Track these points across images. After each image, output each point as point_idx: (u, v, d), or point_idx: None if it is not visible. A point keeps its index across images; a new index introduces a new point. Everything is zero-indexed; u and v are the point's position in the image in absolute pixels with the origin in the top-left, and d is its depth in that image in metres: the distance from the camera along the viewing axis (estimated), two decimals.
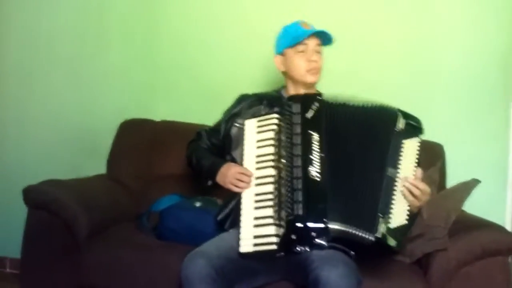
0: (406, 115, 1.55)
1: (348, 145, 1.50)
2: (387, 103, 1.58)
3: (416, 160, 1.49)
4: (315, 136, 1.47)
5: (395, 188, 1.45)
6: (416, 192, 1.45)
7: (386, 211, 1.41)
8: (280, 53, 1.82)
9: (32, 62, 2.71)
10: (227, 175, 1.63)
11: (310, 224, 1.37)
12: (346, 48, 2.37)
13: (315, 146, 1.45)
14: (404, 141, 1.50)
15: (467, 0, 2.33)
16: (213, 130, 1.88)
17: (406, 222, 1.43)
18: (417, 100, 2.28)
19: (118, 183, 2.26)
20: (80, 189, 2.01)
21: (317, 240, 1.39)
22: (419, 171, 1.48)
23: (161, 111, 2.54)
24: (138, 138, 2.36)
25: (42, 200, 1.86)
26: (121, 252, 1.82)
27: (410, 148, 1.50)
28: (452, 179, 2.10)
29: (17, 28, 2.72)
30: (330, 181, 1.43)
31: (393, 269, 1.72)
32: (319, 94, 1.58)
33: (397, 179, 1.46)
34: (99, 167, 2.40)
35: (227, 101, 1.94)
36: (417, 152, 1.50)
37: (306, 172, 1.42)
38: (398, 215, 1.43)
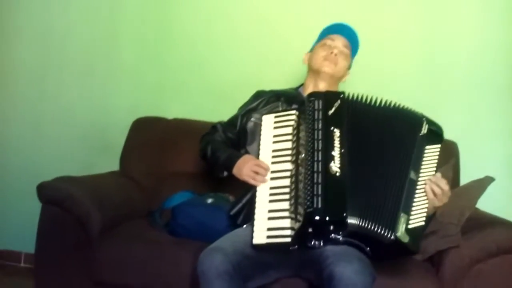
0: (430, 122, 1.57)
1: (370, 143, 1.51)
2: (410, 106, 1.59)
3: (435, 166, 1.52)
4: (337, 132, 1.47)
5: (417, 190, 1.47)
6: (438, 191, 1.47)
7: (407, 211, 1.43)
8: (311, 50, 1.90)
9: (44, 61, 2.74)
10: (243, 167, 1.63)
11: (329, 218, 1.37)
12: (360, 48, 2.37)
13: (336, 142, 1.46)
14: (427, 146, 1.53)
15: (474, 1, 2.31)
16: (229, 124, 1.87)
17: (423, 223, 1.45)
18: (429, 99, 2.27)
19: (131, 180, 2.27)
20: (93, 185, 2.03)
21: (333, 235, 1.39)
22: (439, 175, 1.50)
23: (172, 109, 2.55)
24: (151, 136, 2.38)
25: (56, 196, 1.87)
26: (133, 248, 1.83)
27: (431, 154, 1.53)
28: (466, 177, 2.08)
29: (29, 27, 2.75)
30: (350, 177, 1.43)
31: (405, 266, 1.71)
32: (342, 92, 1.59)
33: (419, 182, 1.48)
34: (112, 164, 2.42)
35: (238, 99, 1.95)
36: (437, 158, 1.53)
37: (326, 167, 1.42)
38: (417, 216, 1.44)
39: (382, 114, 1.55)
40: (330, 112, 1.51)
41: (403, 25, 2.39)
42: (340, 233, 1.40)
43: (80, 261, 1.85)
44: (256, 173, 1.59)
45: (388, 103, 1.57)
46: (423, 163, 1.50)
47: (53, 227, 1.89)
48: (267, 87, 1.95)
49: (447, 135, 2.07)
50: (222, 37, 2.56)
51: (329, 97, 1.55)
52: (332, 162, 1.42)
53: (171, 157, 2.30)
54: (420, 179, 1.48)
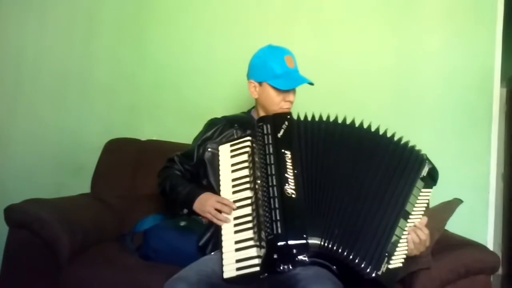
0: (431, 164, 1.57)
1: (335, 164, 1.51)
2: (346, 114, 1.58)
3: (424, 210, 1.52)
4: (288, 154, 1.48)
5: (404, 232, 1.47)
6: (417, 240, 1.46)
7: (392, 251, 1.43)
8: (258, 81, 1.78)
9: (17, 82, 2.72)
10: (205, 204, 1.61)
11: (291, 242, 1.37)
12: (333, 71, 2.43)
13: (289, 164, 1.46)
14: (422, 189, 1.53)
15: (447, 26, 2.39)
16: (186, 156, 1.84)
17: (400, 265, 1.45)
18: (399, 121, 2.31)
19: (102, 202, 2.24)
20: (62, 208, 1.99)
21: (299, 257, 1.38)
22: (425, 219, 1.50)
23: (146, 131, 2.54)
24: (123, 157, 2.36)
25: (23, 219, 1.84)
26: (103, 273, 1.80)
27: (423, 198, 1.53)
28: (435, 199, 2.11)
29: (2, 48, 2.72)
30: (307, 197, 1.44)
31: None
32: (289, 113, 1.60)
33: (407, 224, 1.47)
34: (83, 186, 2.38)
35: None
36: (427, 202, 1.54)
37: (281, 190, 1.42)
38: (398, 257, 1.45)
39: (360, 135, 1.55)
40: (279, 134, 1.52)
41: (374, 50, 2.45)
42: (305, 253, 1.38)
43: (49, 286, 1.80)
44: (219, 211, 1.57)
45: (351, 121, 1.57)
46: (416, 204, 1.50)
47: (20, 251, 1.85)
48: (240, 111, 1.95)
49: None
50: (197, 59, 2.58)
51: (276, 120, 1.56)
52: (287, 184, 1.43)
53: (143, 179, 2.28)
54: (409, 221, 1.48)
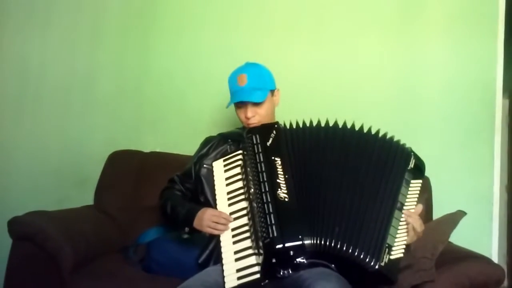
0: (416, 156, 1.65)
1: (325, 165, 1.56)
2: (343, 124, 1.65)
3: (416, 199, 1.59)
4: (278, 161, 1.55)
5: (401, 222, 1.52)
6: (418, 227, 1.51)
7: (391, 242, 1.47)
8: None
9: (21, 93, 2.73)
10: (202, 219, 1.64)
11: (287, 244, 1.40)
12: (332, 84, 2.44)
13: (280, 170, 1.53)
14: (412, 181, 1.60)
15: (449, 37, 2.40)
16: (185, 175, 1.89)
17: (401, 255, 1.49)
18: (401, 132, 2.27)
19: (105, 214, 2.24)
20: (66, 220, 1.99)
21: (298, 260, 1.41)
22: (420, 207, 1.56)
23: (149, 142, 2.55)
24: (127, 169, 2.36)
25: (26, 232, 1.84)
26: (106, 285, 1.80)
27: (414, 189, 1.60)
28: (439, 211, 2.11)
29: (6, 59, 2.74)
30: (300, 199, 1.48)
31: None
32: (276, 123, 1.68)
33: (402, 215, 1.53)
34: (87, 198, 2.39)
35: (215, 133, 1.96)
36: (418, 193, 1.61)
37: (274, 195, 1.47)
38: (398, 247, 1.49)
39: (344, 134, 1.62)
40: (268, 143, 1.59)
41: (375, 62, 2.45)
42: (303, 255, 1.42)
43: None
44: (216, 223, 1.61)
45: (351, 125, 1.64)
46: (408, 196, 1.57)
47: (23, 263, 1.85)
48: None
49: None
50: (200, 71, 2.59)
51: (264, 130, 1.64)
52: (279, 189, 1.49)
53: (147, 191, 2.28)
54: (404, 211, 1.54)
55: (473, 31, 2.38)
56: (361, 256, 1.42)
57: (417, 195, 1.59)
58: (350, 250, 1.42)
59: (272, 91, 1.86)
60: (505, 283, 2.52)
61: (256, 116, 1.80)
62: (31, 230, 1.84)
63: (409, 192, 1.58)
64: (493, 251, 2.27)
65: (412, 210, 1.55)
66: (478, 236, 2.25)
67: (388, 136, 1.65)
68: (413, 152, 1.66)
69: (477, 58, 2.36)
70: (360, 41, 2.48)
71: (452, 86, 2.38)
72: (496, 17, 2.36)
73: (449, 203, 2.13)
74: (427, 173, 2.17)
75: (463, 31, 2.38)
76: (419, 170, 1.64)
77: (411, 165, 1.61)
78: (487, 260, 1.82)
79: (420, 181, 1.62)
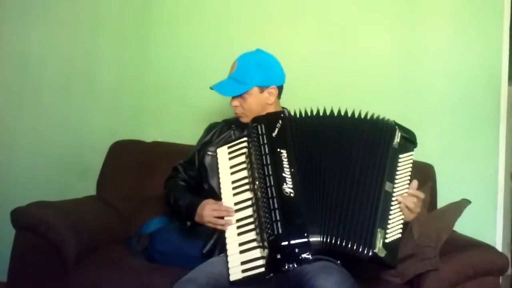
0: (402, 129, 1.58)
1: (323, 156, 1.52)
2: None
3: (410, 174, 1.52)
4: (284, 153, 1.49)
5: (392, 203, 1.47)
6: (411, 205, 1.47)
7: (383, 226, 1.42)
8: None
9: (21, 83, 2.71)
10: (203, 215, 1.61)
11: (292, 241, 1.37)
12: (338, 71, 2.41)
13: (285, 163, 1.48)
14: (400, 155, 1.53)
15: (454, 24, 2.38)
16: (188, 163, 1.86)
17: (399, 235, 1.44)
18: (406, 120, 2.26)
19: (108, 204, 2.24)
20: (68, 210, 1.99)
21: (303, 256, 1.38)
22: (415, 182, 1.50)
23: (151, 132, 2.54)
24: (129, 159, 2.35)
25: (29, 222, 1.84)
26: (109, 275, 1.79)
27: (405, 162, 1.53)
28: (443, 200, 2.10)
29: (6, 48, 2.73)
30: (305, 194, 1.44)
31: None
32: (282, 112, 1.62)
33: (394, 193, 1.48)
34: (89, 188, 2.38)
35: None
36: (411, 166, 1.54)
37: (280, 190, 1.43)
38: (394, 229, 1.44)
39: (339, 123, 1.57)
40: (274, 134, 1.53)
41: (380, 49, 2.44)
42: (308, 251, 1.39)
43: None
44: (219, 217, 1.57)
45: (344, 112, 1.59)
46: (397, 173, 1.50)
47: (26, 254, 1.85)
48: None
49: (424, 158, 2.12)
50: (201, 60, 2.57)
51: (270, 119, 1.58)
52: (285, 183, 1.44)
53: (149, 181, 2.27)
54: (395, 190, 1.48)
55: (479, 18, 2.36)
56: (354, 247, 1.39)
57: (410, 169, 1.52)
58: (343, 244, 1.39)
59: (262, 88, 1.75)
60: (509, 271, 2.52)
61: (239, 107, 1.76)
62: (34, 221, 1.83)
63: (399, 168, 1.51)
64: (497, 240, 2.27)
65: (406, 187, 1.50)
66: (482, 225, 2.25)
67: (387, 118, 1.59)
68: (398, 124, 1.59)
69: (482, 46, 2.35)
70: (365, 29, 2.46)
71: (457, 74, 2.36)
72: (502, 4, 2.34)
73: (453, 191, 2.13)
74: (431, 161, 2.19)
75: (469, 18, 2.36)
76: (408, 142, 1.57)
77: (397, 139, 1.54)
78: (491, 249, 1.82)
79: (411, 153, 1.55)
